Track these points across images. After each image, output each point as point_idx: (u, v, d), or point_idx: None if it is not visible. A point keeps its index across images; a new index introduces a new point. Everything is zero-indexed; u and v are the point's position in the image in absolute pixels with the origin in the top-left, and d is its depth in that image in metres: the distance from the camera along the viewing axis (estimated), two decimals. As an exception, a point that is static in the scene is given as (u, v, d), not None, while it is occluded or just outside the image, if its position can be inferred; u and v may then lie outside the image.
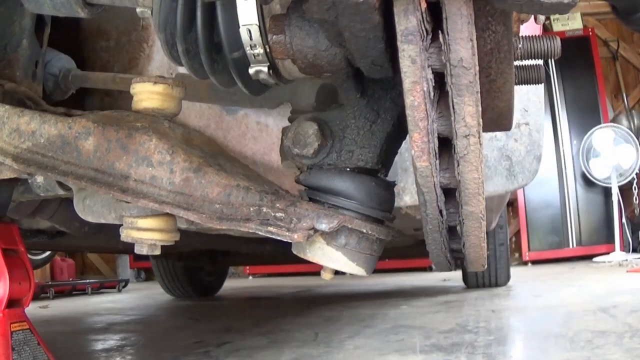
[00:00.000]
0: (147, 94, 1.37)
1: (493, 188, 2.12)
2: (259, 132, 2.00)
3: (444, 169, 0.98)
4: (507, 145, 2.14)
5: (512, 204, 8.53)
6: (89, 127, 1.29)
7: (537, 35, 1.26)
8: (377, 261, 1.27)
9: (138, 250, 1.32)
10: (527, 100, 2.13)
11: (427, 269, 7.81)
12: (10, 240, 1.76)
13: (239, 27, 1.14)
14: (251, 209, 1.16)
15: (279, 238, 1.11)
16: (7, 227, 1.77)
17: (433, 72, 0.86)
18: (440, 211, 1.02)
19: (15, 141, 1.34)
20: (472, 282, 4.95)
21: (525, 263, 8.55)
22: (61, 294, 6.71)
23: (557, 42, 1.24)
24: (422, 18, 0.82)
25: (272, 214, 1.14)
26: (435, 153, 0.92)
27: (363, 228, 1.17)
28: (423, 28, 0.83)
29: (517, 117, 2.12)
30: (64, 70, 1.94)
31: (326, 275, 1.25)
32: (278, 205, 1.15)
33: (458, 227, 1.11)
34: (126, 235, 1.32)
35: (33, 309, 5.24)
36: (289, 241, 1.13)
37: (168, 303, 5.54)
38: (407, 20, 0.81)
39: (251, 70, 1.18)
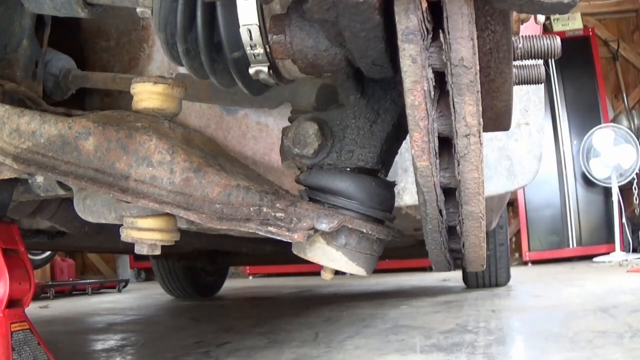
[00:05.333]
0: (147, 94, 1.37)
1: (493, 188, 2.12)
2: (259, 132, 2.00)
3: (444, 168, 0.98)
4: (507, 146, 2.14)
5: (512, 204, 8.52)
6: (89, 127, 1.29)
7: (537, 35, 1.25)
8: (377, 261, 1.27)
9: (138, 250, 1.32)
10: (527, 100, 2.13)
11: (427, 269, 7.79)
12: (11, 240, 1.76)
13: (239, 27, 1.14)
14: (251, 209, 1.16)
15: (279, 238, 1.11)
16: (7, 227, 1.77)
17: (433, 72, 0.86)
18: (440, 211, 1.02)
19: (16, 141, 1.34)
20: (472, 282, 4.94)
21: (525, 263, 8.55)
22: (61, 294, 6.71)
23: (557, 42, 1.24)
24: (423, 17, 0.82)
25: (272, 214, 1.14)
26: (436, 153, 0.92)
27: (363, 228, 1.16)
28: (424, 27, 0.83)
29: (517, 117, 2.13)
30: (64, 70, 1.94)
31: (326, 276, 1.25)
32: (278, 205, 1.15)
33: (458, 227, 1.11)
34: (126, 235, 1.32)
35: (33, 309, 5.24)
36: (289, 241, 1.13)
37: (168, 303, 5.54)
38: (407, 19, 0.81)
39: (251, 70, 1.18)
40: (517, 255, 8.88)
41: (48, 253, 6.69)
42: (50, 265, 8.00)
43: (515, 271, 5.68)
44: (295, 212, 1.13)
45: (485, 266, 1.24)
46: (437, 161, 0.93)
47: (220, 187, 1.19)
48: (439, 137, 0.91)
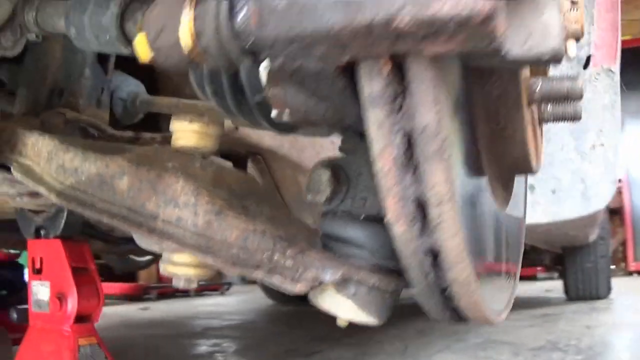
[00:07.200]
0: (183, 132, 1.39)
1: (566, 213, 2.04)
2: (335, 152, 1.99)
3: (425, 233, 0.93)
4: (581, 168, 2.05)
5: (618, 213, 8.17)
6: (124, 166, 1.32)
7: (557, 76, 1.18)
8: (392, 307, 1.23)
9: (176, 283, 1.35)
10: (602, 120, 2.03)
11: (533, 278, 7.61)
12: (81, 259, 1.85)
13: (259, 72, 1.13)
14: (264, 254, 1.16)
15: (282, 289, 1.11)
16: (78, 247, 1.86)
17: (405, 136, 0.82)
18: (426, 275, 0.98)
19: (61, 177, 1.39)
20: (573, 293, 4.89)
21: (630, 273, 8.19)
22: (164, 295, 6.89)
23: (579, 83, 1.16)
24: (389, 81, 0.79)
25: (282, 262, 1.14)
26: (414, 217, 0.88)
27: (370, 279, 1.14)
28: (390, 91, 0.79)
29: (591, 138, 2.03)
30: (132, 95, 2.00)
31: (341, 322, 1.23)
32: (289, 252, 1.14)
33: (448, 290, 1.06)
34: (164, 268, 1.35)
35: (134, 310, 5.45)
36: (292, 292, 1.13)
37: (267, 308, 5.62)
38: (370, 84, 0.78)
39: (273, 114, 1.17)
40: (622, 265, 8.52)
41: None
42: (155, 267, 8.18)
43: (619, 282, 5.49)
44: (303, 260, 1.12)
45: (494, 322, 1.19)
46: (417, 225, 0.89)
47: (239, 231, 1.19)
48: (417, 201, 0.87)
